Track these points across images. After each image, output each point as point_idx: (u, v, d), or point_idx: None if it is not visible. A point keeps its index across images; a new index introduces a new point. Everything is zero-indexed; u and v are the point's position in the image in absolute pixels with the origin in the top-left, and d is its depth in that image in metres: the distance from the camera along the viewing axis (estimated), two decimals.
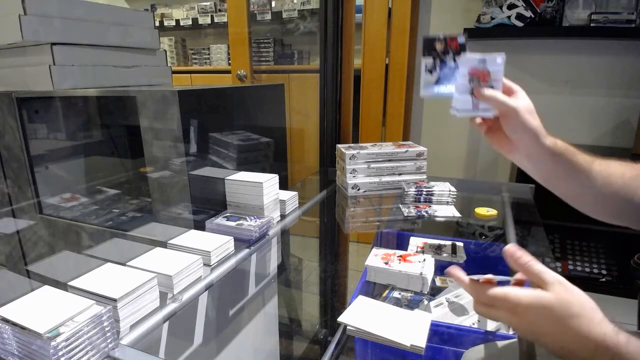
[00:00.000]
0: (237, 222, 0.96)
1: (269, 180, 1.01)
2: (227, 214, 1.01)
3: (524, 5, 1.76)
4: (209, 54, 3.16)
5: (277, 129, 1.44)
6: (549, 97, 1.96)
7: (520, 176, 1.54)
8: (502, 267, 1.00)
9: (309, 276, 1.64)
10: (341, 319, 0.68)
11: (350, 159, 1.28)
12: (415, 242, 1.05)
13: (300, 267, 1.62)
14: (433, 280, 0.94)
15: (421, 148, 1.32)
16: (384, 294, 0.84)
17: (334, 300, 1.11)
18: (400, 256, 0.90)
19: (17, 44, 1.16)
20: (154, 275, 0.69)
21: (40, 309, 0.57)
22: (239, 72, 2.58)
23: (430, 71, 0.75)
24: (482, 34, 1.84)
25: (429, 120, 2.27)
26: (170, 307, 0.71)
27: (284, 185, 1.15)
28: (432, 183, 1.26)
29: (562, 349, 0.45)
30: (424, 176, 1.33)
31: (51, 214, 1.29)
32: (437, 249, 1.01)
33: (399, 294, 0.83)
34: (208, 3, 3.03)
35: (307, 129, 2.53)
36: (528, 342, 0.59)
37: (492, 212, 1.16)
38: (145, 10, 3.10)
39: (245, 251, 0.92)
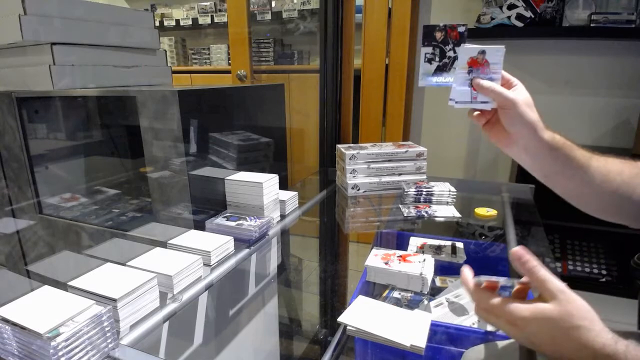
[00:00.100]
0: (237, 222, 0.96)
1: (269, 180, 1.01)
2: (227, 214, 1.01)
3: (524, 5, 1.76)
4: (209, 54, 3.16)
5: (277, 129, 1.44)
6: (549, 98, 1.96)
7: (520, 176, 1.54)
8: (502, 267, 1.01)
9: (309, 276, 1.64)
10: (341, 319, 0.68)
11: (350, 159, 1.28)
12: (415, 242, 1.05)
13: (300, 267, 1.62)
14: (433, 281, 0.94)
15: (421, 148, 1.32)
16: (384, 294, 0.84)
17: (334, 300, 1.11)
18: (400, 256, 0.90)
19: (17, 44, 1.16)
20: (154, 275, 0.69)
21: (40, 309, 0.57)
22: (239, 72, 2.58)
23: (430, 61, 0.75)
24: (482, 34, 1.84)
25: (429, 120, 2.27)
26: (170, 307, 0.71)
27: (284, 185, 1.15)
28: (432, 183, 1.26)
29: (562, 358, 0.46)
30: (424, 176, 1.33)
31: (51, 214, 1.29)
32: (437, 249, 1.01)
33: (399, 294, 0.83)
34: (208, 3, 3.03)
35: (307, 129, 2.53)
36: None
37: (492, 212, 1.15)
38: (145, 10, 3.10)
39: (245, 251, 0.92)
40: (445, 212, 1.15)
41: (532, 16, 1.77)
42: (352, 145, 1.38)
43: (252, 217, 0.99)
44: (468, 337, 0.73)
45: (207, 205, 1.06)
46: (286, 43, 2.89)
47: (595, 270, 1.68)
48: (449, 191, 1.20)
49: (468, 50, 0.68)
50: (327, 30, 1.61)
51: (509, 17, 1.79)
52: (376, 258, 0.90)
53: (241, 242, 0.93)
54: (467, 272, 0.55)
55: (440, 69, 0.75)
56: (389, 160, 1.30)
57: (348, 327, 0.67)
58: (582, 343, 0.44)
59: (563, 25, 1.77)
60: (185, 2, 3.15)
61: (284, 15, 2.68)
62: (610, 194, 0.62)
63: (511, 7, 1.78)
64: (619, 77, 1.83)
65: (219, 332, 1.02)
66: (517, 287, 0.51)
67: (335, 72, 1.65)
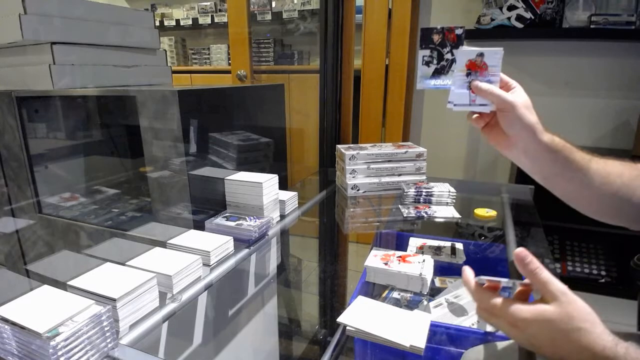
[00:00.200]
0: (237, 222, 0.96)
1: (269, 181, 1.01)
2: (227, 214, 1.01)
3: (524, 6, 1.77)
4: (209, 54, 3.16)
5: (277, 129, 1.44)
6: (549, 99, 1.96)
7: (520, 177, 1.54)
8: (501, 268, 1.01)
9: (308, 276, 1.64)
10: (341, 319, 0.68)
11: (350, 159, 1.28)
12: (414, 242, 1.05)
13: (299, 267, 1.62)
14: (432, 281, 0.94)
15: (421, 149, 1.32)
16: (384, 295, 0.84)
17: (333, 300, 1.11)
18: (400, 257, 0.90)
19: (17, 43, 1.16)
20: (154, 275, 0.69)
21: (39, 308, 0.57)
22: (239, 72, 2.58)
23: (427, 64, 0.75)
24: (482, 35, 1.84)
25: (428, 121, 2.27)
26: (170, 307, 0.71)
27: (283, 185, 1.15)
28: (431, 184, 1.26)
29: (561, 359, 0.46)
30: (424, 177, 1.33)
31: (51, 214, 1.29)
32: (437, 250, 1.01)
33: (399, 294, 0.83)
34: (208, 3, 3.03)
35: (307, 129, 2.53)
36: None
37: (492, 213, 1.16)
38: (145, 10, 3.10)
39: (245, 251, 0.92)
40: (445, 212, 1.15)
41: (532, 17, 1.77)
42: (352, 145, 1.38)
43: (252, 217, 0.99)
44: (467, 337, 0.73)
45: (207, 205, 1.06)
46: (286, 43, 2.89)
47: (595, 271, 1.68)
48: (449, 192, 1.20)
49: (466, 52, 0.68)
50: (327, 31, 1.61)
51: (509, 18, 1.79)
52: (376, 258, 0.90)
53: (241, 242, 0.93)
54: (468, 271, 0.55)
55: (438, 72, 0.75)
56: (389, 161, 1.30)
57: (347, 328, 0.67)
58: (582, 345, 0.44)
59: (563, 26, 1.78)
60: (185, 2, 3.15)
61: (284, 15, 2.68)
62: (610, 196, 0.62)
63: (511, 8, 1.78)
64: (619, 78, 1.84)
65: (219, 332, 1.02)
66: (518, 288, 0.51)
67: (335, 72, 1.65)
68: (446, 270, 1.01)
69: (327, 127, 1.70)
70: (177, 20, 3.17)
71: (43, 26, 1.12)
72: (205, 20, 3.06)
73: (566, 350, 0.45)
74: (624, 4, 1.70)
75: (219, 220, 0.98)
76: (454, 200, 1.20)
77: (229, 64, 2.87)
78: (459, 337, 0.74)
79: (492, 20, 1.81)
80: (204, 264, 0.81)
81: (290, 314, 1.48)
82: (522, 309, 0.47)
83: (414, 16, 2.12)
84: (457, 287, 0.93)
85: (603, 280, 1.66)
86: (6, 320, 0.54)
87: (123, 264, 0.75)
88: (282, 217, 1.10)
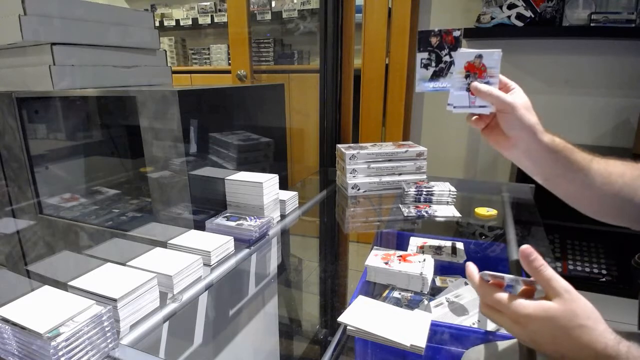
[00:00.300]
0: (237, 222, 0.96)
1: (269, 180, 1.01)
2: (227, 214, 1.01)
3: (524, 5, 1.76)
4: (209, 54, 3.16)
5: (277, 129, 1.44)
6: (549, 97, 1.96)
7: (520, 176, 1.53)
8: (502, 268, 1.00)
9: (309, 276, 1.64)
10: (341, 319, 0.68)
11: (350, 159, 1.28)
12: (415, 242, 1.05)
13: (300, 267, 1.62)
14: (433, 280, 0.94)
15: (421, 148, 1.32)
16: (384, 294, 0.84)
17: (334, 300, 1.11)
18: (400, 256, 0.90)
19: (17, 44, 1.16)
20: (154, 275, 0.69)
21: (40, 309, 0.57)
22: (239, 72, 2.58)
23: (426, 66, 0.75)
24: (482, 33, 1.84)
25: (429, 120, 2.27)
26: (170, 307, 0.71)
27: (284, 185, 1.15)
28: (432, 183, 1.26)
29: (563, 358, 0.46)
30: (424, 176, 1.33)
31: (51, 214, 1.29)
32: (437, 249, 1.01)
33: (399, 294, 0.83)
34: (208, 3, 3.03)
35: (307, 129, 2.53)
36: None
37: (492, 212, 1.15)
38: (145, 10, 3.10)
39: (245, 251, 0.92)
40: (446, 212, 1.15)
41: (532, 16, 1.77)
42: (352, 145, 1.38)
43: (252, 217, 0.99)
44: (468, 337, 0.73)
45: (207, 205, 1.06)
46: (286, 43, 2.89)
47: (596, 270, 1.68)
48: (449, 191, 1.20)
49: (465, 54, 0.68)
50: (327, 30, 1.61)
51: (509, 17, 1.79)
52: (376, 258, 0.90)
53: (241, 242, 0.93)
54: (472, 267, 0.55)
55: (437, 74, 0.75)
56: (389, 160, 1.30)
57: (348, 327, 0.67)
58: (584, 343, 0.44)
59: (563, 24, 1.78)
60: (185, 2, 3.15)
61: (284, 15, 2.68)
62: (612, 197, 0.62)
63: (511, 6, 1.78)
64: (619, 76, 1.83)
65: (219, 332, 1.02)
66: (522, 287, 0.52)
67: (335, 72, 1.65)
68: (447, 269, 1.01)
69: (327, 126, 1.70)
70: (177, 21, 3.17)
71: (43, 27, 1.12)
72: (205, 20, 3.06)
73: (568, 347, 0.45)
74: (624, 2, 1.70)
75: (220, 220, 0.98)
76: (455, 200, 1.20)
77: (229, 64, 2.87)
78: (460, 337, 0.74)
79: (492, 18, 1.81)
80: (204, 264, 0.81)
81: (290, 313, 1.48)
82: (526, 305, 0.47)
83: (413, 15, 2.11)
84: (457, 286, 0.93)
85: (604, 279, 1.65)
86: (7, 321, 0.54)
87: (124, 264, 0.75)
88: (283, 216, 1.10)
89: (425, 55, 0.74)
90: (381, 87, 2.22)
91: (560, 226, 1.76)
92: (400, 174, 1.32)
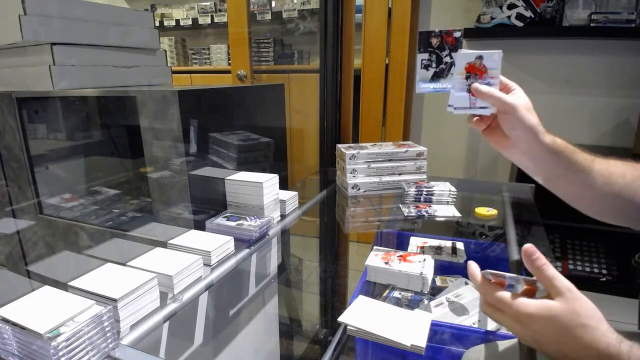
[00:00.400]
0: (237, 222, 0.96)
1: (269, 180, 1.01)
2: (227, 214, 1.01)
3: (524, 5, 1.76)
4: (209, 54, 3.16)
5: (277, 129, 1.44)
6: (549, 97, 1.96)
7: (521, 176, 1.53)
8: (502, 267, 1.00)
9: (309, 276, 1.64)
10: (341, 318, 0.68)
11: (350, 158, 1.28)
12: (415, 242, 1.05)
13: (300, 267, 1.62)
14: (433, 280, 0.94)
15: (421, 148, 1.32)
16: (384, 294, 0.84)
17: (334, 300, 1.11)
18: (401, 256, 0.90)
19: (17, 44, 1.16)
20: (154, 275, 0.69)
21: (40, 309, 0.57)
22: (239, 72, 2.58)
23: (426, 67, 0.75)
24: (482, 34, 1.84)
25: (429, 120, 2.27)
26: (171, 307, 0.71)
27: (284, 185, 1.15)
28: (432, 183, 1.26)
29: (565, 357, 0.46)
30: (424, 176, 1.33)
31: (51, 214, 1.29)
32: (437, 249, 1.01)
33: (399, 293, 0.83)
34: (208, 3, 3.03)
35: (307, 129, 2.53)
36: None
37: (492, 211, 1.15)
38: (145, 10, 3.10)
39: (245, 251, 0.92)
40: (446, 211, 1.15)
41: (532, 16, 1.77)
42: (352, 145, 1.38)
43: (252, 217, 0.99)
44: (468, 337, 0.73)
45: (207, 205, 1.06)
46: (286, 43, 2.89)
47: (596, 270, 1.68)
48: (449, 191, 1.20)
49: (465, 55, 0.68)
50: (327, 30, 1.61)
51: (509, 17, 1.79)
52: (376, 258, 0.90)
53: (241, 242, 0.93)
54: (474, 266, 0.55)
55: (437, 75, 0.75)
56: (389, 160, 1.30)
57: (348, 327, 0.67)
58: (586, 342, 0.44)
59: (563, 24, 1.78)
60: (185, 2, 3.15)
61: (284, 15, 2.68)
62: (613, 197, 0.62)
63: (511, 6, 1.78)
64: (619, 76, 1.83)
65: (219, 332, 1.02)
66: (524, 286, 0.52)
67: (335, 72, 1.65)
68: (447, 269, 1.01)
69: (327, 126, 1.70)
70: (177, 21, 3.17)
71: (43, 27, 1.12)
72: (205, 20, 3.06)
73: (570, 346, 0.45)
74: (624, 2, 1.70)
75: (220, 220, 0.98)
76: (455, 199, 1.20)
77: (229, 64, 2.87)
78: (460, 337, 0.74)
79: (492, 19, 1.81)
80: (204, 264, 0.81)
81: (291, 313, 1.48)
82: (528, 304, 0.47)
83: (413, 15, 2.11)
84: (457, 286, 0.93)
85: (604, 279, 1.65)
86: (7, 321, 0.54)
87: (124, 265, 0.75)
88: (283, 216, 1.10)
89: (425, 56, 0.74)
90: (381, 87, 2.22)
91: (560, 226, 1.76)
92: (400, 174, 1.32)
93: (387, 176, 1.31)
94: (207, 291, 0.79)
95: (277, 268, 1.16)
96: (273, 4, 2.70)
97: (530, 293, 0.51)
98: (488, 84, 0.68)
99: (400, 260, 0.88)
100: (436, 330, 0.73)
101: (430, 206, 1.18)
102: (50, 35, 1.14)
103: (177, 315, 0.71)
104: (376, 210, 1.31)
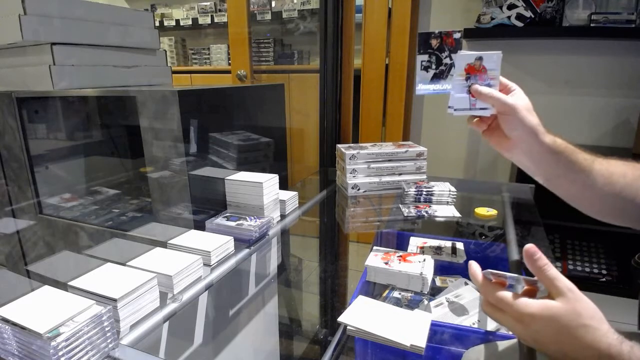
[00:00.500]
0: (237, 222, 0.96)
1: (269, 180, 1.01)
2: (227, 214, 1.01)
3: (524, 5, 1.77)
4: (209, 54, 3.16)
5: (277, 129, 1.44)
6: (549, 97, 1.96)
7: (520, 176, 1.53)
8: (502, 268, 1.00)
9: (309, 276, 1.64)
10: (341, 319, 0.68)
11: (350, 159, 1.28)
12: (415, 242, 1.05)
13: (300, 267, 1.62)
14: (433, 280, 0.94)
15: (421, 148, 1.32)
16: (384, 294, 0.84)
17: (334, 300, 1.11)
18: (400, 256, 0.90)
19: (17, 44, 1.16)
20: (154, 275, 0.69)
21: (40, 309, 0.57)
22: (239, 72, 2.58)
23: (426, 69, 0.75)
24: (482, 34, 1.84)
25: (429, 121, 2.27)
26: (170, 307, 0.71)
27: (284, 185, 1.15)
28: (432, 183, 1.26)
29: (565, 357, 0.46)
30: (424, 176, 1.33)
31: (51, 214, 1.29)
32: (437, 249, 1.01)
33: (399, 294, 0.83)
34: (208, 3, 3.03)
35: (307, 129, 2.53)
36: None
37: (492, 212, 1.15)
38: (145, 10, 3.10)
39: (245, 251, 0.92)
40: (446, 212, 1.15)
41: (532, 16, 1.77)
42: (352, 145, 1.38)
43: (252, 217, 0.99)
44: (468, 337, 0.73)
45: (207, 205, 1.06)
46: (286, 43, 2.89)
47: (596, 270, 1.68)
48: (449, 191, 1.20)
49: (465, 57, 0.68)
50: (327, 30, 1.61)
51: (509, 17, 1.79)
52: (376, 258, 0.90)
53: (241, 242, 0.93)
54: (475, 265, 0.55)
55: (438, 77, 0.75)
56: (389, 160, 1.30)
57: (348, 327, 0.67)
58: (587, 342, 0.44)
59: (563, 25, 1.78)
60: (185, 2, 3.15)
61: (284, 15, 2.68)
62: (614, 197, 0.62)
63: (511, 7, 1.78)
64: (619, 76, 1.83)
65: (219, 332, 1.02)
66: (524, 286, 0.52)
67: (335, 72, 1.65)
68: (447, 269, 1.01)
69: (327, 126, 1.70)
70: (177, 21, 3.17)
71: (43, 27, 1.12)
72: (205, 20, 3.06)
73: (571, 347, 0.45)
74: (624, 2, 1.70)
75: (220, 220, 0.98)
76: (455, 200, 1.20)
77: (229, 64, 2.87)
78: (460, 337, 0.74)
79: (492, 19, 1.81)
80: (204, 264, 0.81)
81: (290, 313, 1.48)
82: (529, 304, 0.47)
83: (413, 15, 2.11)
84: (457, 286, 0.93)
85: (604, 279, 1.65)
86: (7, 321, 0.54)
87: (124, 264, 0.75)
88: (283, 216, 1.10)
89: (425, 57, 0.74)
90: (381, 87, 2.22)
91: (560, 226, 1.76)
92: (400, 174, 1.32)
93: (387, 176, 1.31)
94: (206, 291, 0.79)
95: (277, 268, 1.16)
96: (273, 4, 2.70)
97: (531, 293, 0.51)
98: (488, 85, 0.68)
99: (400, 260, 0.88)
100: (436, 330, 0.73)
101: (430, 206, 1.18)
102: (50, 35, 1.14)
103: (177, 315, 0.71)
104: (376, 210, 1.31)
